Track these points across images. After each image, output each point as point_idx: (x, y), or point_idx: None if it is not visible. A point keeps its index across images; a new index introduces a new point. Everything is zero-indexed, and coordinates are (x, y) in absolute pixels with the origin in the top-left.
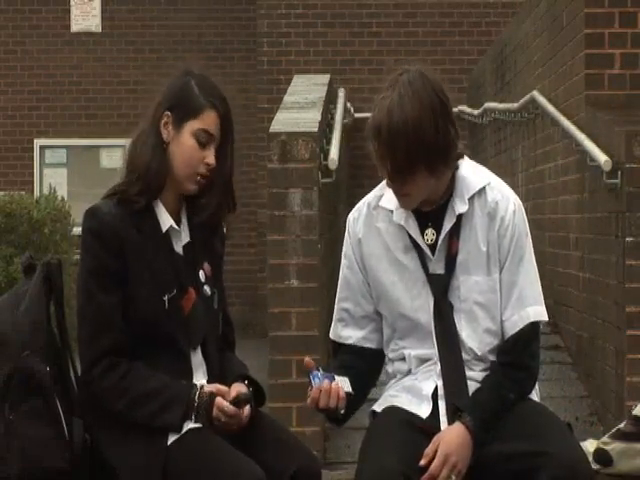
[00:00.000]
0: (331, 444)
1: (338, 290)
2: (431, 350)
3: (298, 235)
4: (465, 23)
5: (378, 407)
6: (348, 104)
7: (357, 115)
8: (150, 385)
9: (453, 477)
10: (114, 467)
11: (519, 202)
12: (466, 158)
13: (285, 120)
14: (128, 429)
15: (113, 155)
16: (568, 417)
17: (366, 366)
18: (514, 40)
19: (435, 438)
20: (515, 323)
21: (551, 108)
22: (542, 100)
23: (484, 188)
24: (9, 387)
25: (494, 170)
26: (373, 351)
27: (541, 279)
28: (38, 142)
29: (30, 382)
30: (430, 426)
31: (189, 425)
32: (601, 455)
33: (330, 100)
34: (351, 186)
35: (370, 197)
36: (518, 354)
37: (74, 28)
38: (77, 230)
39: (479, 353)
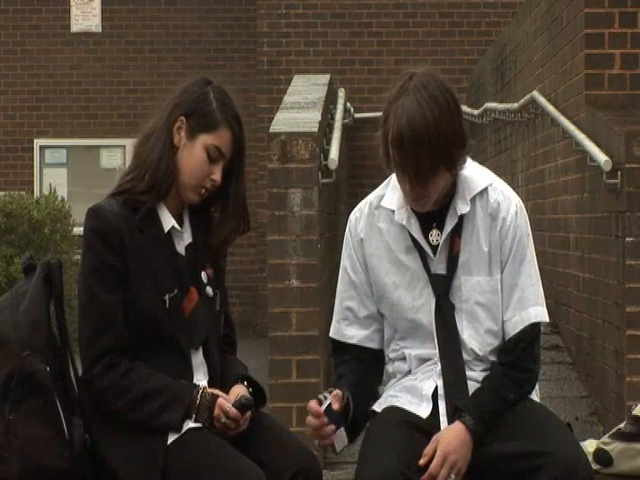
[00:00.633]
0: None
1: (340, 289)
2: (431, 350)
3: (298, 235)
4: (465, 23)
5: (378, 407)
6: (348, 104)
7: (357, 115)
8: (150, 384)
9: (452, 476)
10: (114, 467)
11: (521, 204)
12: (468, 159)
13: (285, 120)
14: (128, 429)
15: (113, 155)
16: (568, 417)
17: (369, 371)
18: (514, 40)
19: (434, 437)
20: (516, 324)
21: (551, 108)
22: (542, 100)
23: (486, 189)
24: (9, 387)
25: (494, 170)
26: (375, 352)
27: (541, 279)
28: (38, 142)
29: (30, 382)
30: (430, 426)
31: (189, 425)
32: (601, 455)
33: (330, 100)
34: (351, 186)
35: (371, 197)
36: (519, 355)
37: (74, 28)
38: (77, 230)
39: (480, 354)
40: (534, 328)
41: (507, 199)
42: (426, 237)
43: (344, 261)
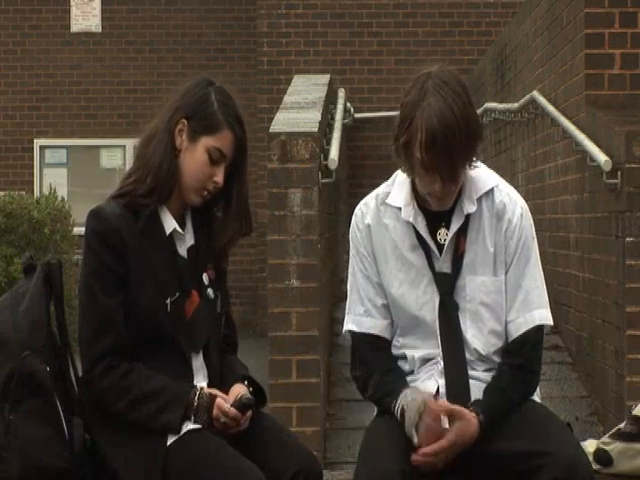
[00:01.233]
0: (331, 444)
1: (354, 282)
2: (434, 350)
3: (298, 235)
4: (465, 23)
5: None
6: (348, 104)
7: (357, 115)
8: (150, 386)
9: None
10: (114, 467)
11: (526, 206)
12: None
13: (285, 120)
14: (128, 429)
15: (113, 155)
16: (568, 417)
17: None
18: (514, 40)
19: (459, 411)
20: (520, 325)
21: (551, 108)
22: (542, 100)
23: (492, 189)
24: (9, 387)
25: (494, 170)
26: (390, 343)
27: None
28: (38, 142)
29: (30, 382)
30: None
31: (189, 426)
32: (601, 455)
33: (330, 100)
34: (351, 186)
35: (377, 193)
36: (527, 357)
37: (74, 28)
38: (77, 230)
39: (483, 354)
40: (539, 331)
41: (513, 201)
42: (433, 235)
43: (354, 255)
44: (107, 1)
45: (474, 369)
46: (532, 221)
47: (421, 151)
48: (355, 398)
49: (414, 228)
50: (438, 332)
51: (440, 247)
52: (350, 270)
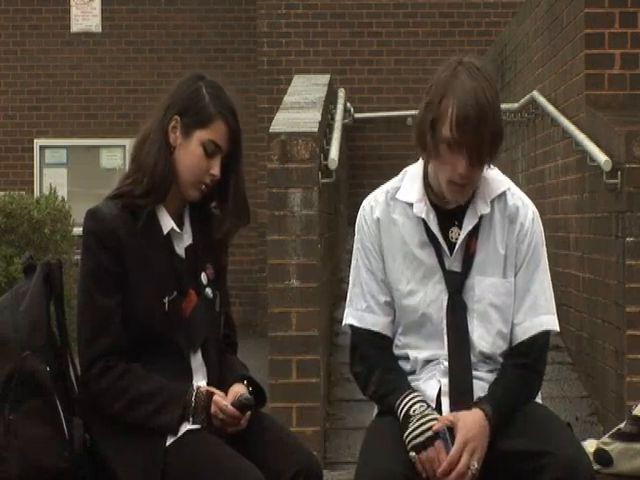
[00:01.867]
0: (331, 444)
1: (357, 277)
2: (438, 351)
3: (298, 235)
4: (465, 23)
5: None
6: (348, 104)
7: (357, 115)
8: (147, 386)
9: (475, 464)
10: (113, 467)
11: (537, 211)
12: None
13: (285, 120)
14: (128, 430)
15: (113, 155)
16: (568, 417)
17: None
18: (514, 40)
19: (453, 415)
20: (527, 329)
21: (551, 108)
22: (542, 100)
23: (504, 193)
24: (9, 387)
25: None
26: (391, 341)
27: None
28: (38, 142)
29: (30, 382)
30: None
31: (187, 427)
32: (601, 455)
33: (330, 100)
34: (351, 186)
35: (387, 188)
36: (534, 359)
37: (74, 28)
38: (77, 230)
39: (489, 354)
40: (545, 336)
41: (525, 205)
42: (444, 233)
43: (358, 249)
44: (107, 1)
45: (476, 369)
46: (542, 227)
47: (451, 128)
48: (355, 398)
49: (425, 225)
50: (445, 330)
51: (450, 246)
52: (353, 263)
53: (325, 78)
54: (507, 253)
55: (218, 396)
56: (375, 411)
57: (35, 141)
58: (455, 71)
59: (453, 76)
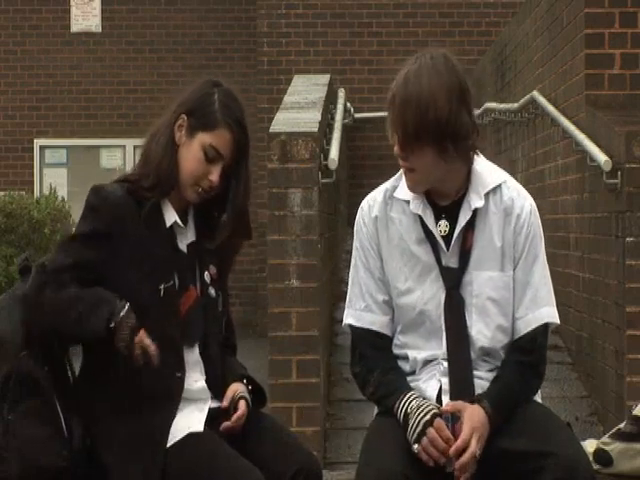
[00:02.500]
0: (331, 444)
1: (356, 276)
2: (437, 351)
3: (298, 235)
4: (465, 23)
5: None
6: (348, 104)
7: (357, 115)
8: (78, 292)
9: (478, 451)
10: (113, 468)
11: (534, 203)
12: (481, 155)
13: (285, 120)
14: (128, 431)
15: (113, 155)
16: (568, 417)
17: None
18: (514, 40)
19: (460, 404)
20: (529, 322)
21: (551, 108)
22: (542, 100)
23: (500, 186)
24: (7, 387)
25: None
26: (390, 340)
27: None
28: (38, 142)
29: (28, 382)
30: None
31: (191, 429)
32: (601, 455)
33: (330, 100)
34: (351, 186)
35: (385, 187)
36: (536, 355)
37: (74, 28)
38: None
39: (489, 350)
40: (546, 328)
41: (521, 197)
42: (437, 228)
43: (357, 249)
44: (107, 1)
45: (477, 369)
46: (540, 220)
47: (388, 107)
48: (355, 398)
49: (421, 221)
50: (443, 327)
51: (446, 241)
52: (352, 263)
53: (325, 78)
54: (504, 246)
55: (144, 332)
56: (375, 411)
57: (35, 141)
58: (413, 59)
59: (408, 64)
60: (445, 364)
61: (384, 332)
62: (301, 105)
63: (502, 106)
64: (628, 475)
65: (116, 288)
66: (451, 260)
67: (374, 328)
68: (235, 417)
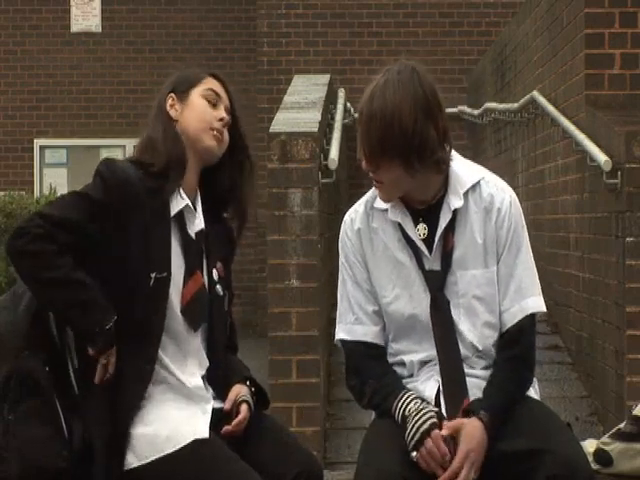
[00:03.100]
0: (331, 444)
1: (344, 290)
2: (430, 352)
3: (298, 235)
4: (465, 23)
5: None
6: (348, 104)
7: (357, 115)
8: (84, 277)
9: (473, 475)
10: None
11: (514, 195)
12: (457, 155)
13: (285, 120)
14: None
15: (113, 155)
16: (568, 417)
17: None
18: (514, 40)
19: (457, 422)
20: (515, 314)
21: (551, 108)
22: (542, 100)
23: (478, 183)
24: (8, 387)
25: (494, 170)
26: (384, 349)
27: (541, 279)
28: (38, 142)
29: (28, 382)
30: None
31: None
32: (601, 455)
33: (330, 100)
34: (351, 186)
35: (366, 198)
36: (523, 346)
37: (74, 28)
38: None
39: (480, 347)
40: (533, 319)
41: (501, 190)
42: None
43: (343, 263)
44: (107, 1)
45: (472, 367)
46: (521, 210)
47: (357, 119)
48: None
49: (401, 228)
50: (432, 330)
51: (428, 245)
52: (340, 279)
53: (325, 78)
54: (487, 242)
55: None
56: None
57: (35, 141)
58: (382, 72)
59: (375, 78)
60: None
61: (377, 342)
62: (301, 105)
63: (502, 106)
64: (628, 475)
65: (110, 260)
66: (434, 263)
67: (366, 339)
68: (235, 422)
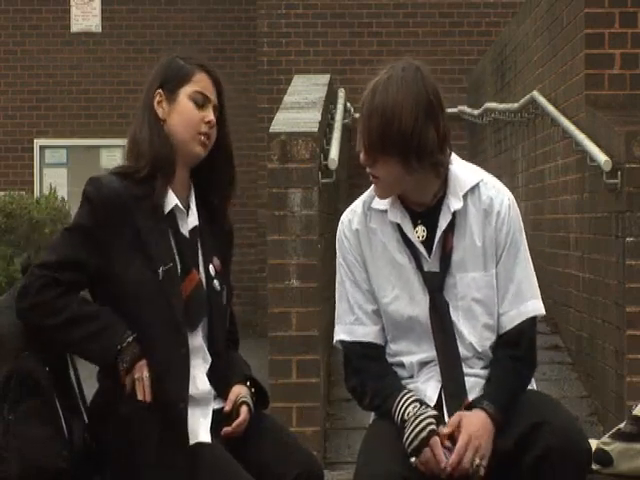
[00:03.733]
0: (331, 444)
1: (342, 291)
2: (430, 353)
3: (298, 235)
4: (465, 23)
5: None
6: (348, 104)
7: (357, 115)
8: (89, 308)
9: (477, 460)
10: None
11: (512, 197)
12: (456, 157)
13: (285, 120)
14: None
15: (113, 155)
16: None
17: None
18: (514, 40)
19: (457, 415)
20: (513, 317)
21: (551, 108)
22: (542, 100)
23: (477, 185)
24: (8, 387)
25: (494, 170)
26: (383, 350)
27: (541, 279)
28: (38, 142)
29: (29, 382)
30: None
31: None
32: (601, 455)
33: (330, 100)
34: (351, 186)
35: (364, 199)
36: (525, 347)
37: (74, 28)
38: None
39: (479, 349)
40: (532, 322)
41: (500, 193)
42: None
43: (341, 264)
44: (107, 1)
45: (471, 367)
46: (519, 213)
47: (359, 116)
48: None
49: (400, 229)
50: (431, 331)
51: (428, 246)
52: (338, 279)
53: (325, 78)
54: (486, 245)
55: (146, 363)
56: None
57: (35, 141)
58: (385, 69)
59: (379, 74)
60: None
61: (377, 342)
62: (301, 105)
63: (502, 106)
64: (628, 475)
65: (116, 276)
66: (433, 265)
67: (367, 340)
68: (235, 424)
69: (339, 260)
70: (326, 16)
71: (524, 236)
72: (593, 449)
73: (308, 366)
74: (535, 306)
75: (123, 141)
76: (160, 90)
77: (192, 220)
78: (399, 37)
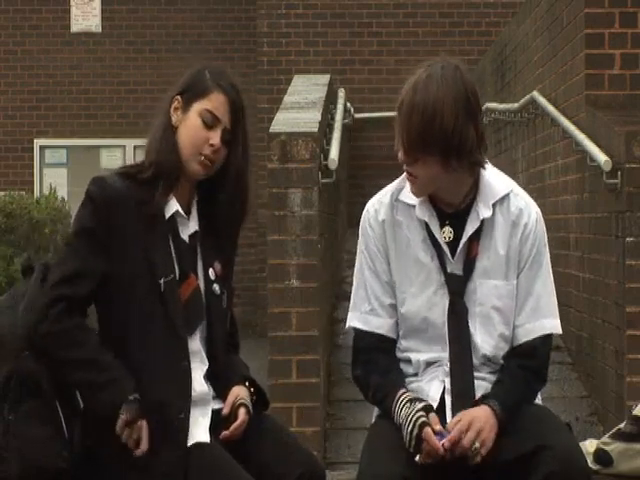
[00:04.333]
0: (331, 444)
1: (361, 279)
2: (439, 354)
3: (298, 235)
4: (465, 23)
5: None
6: (348, 104)
7: (357, 115)
8: (104, 356)
9: (477, 444)
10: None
11: (539, 211)
12: (489, 164)
13: (285, 120)
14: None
15: (113, 155)
16: (568, 417)
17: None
18: (514, 40)
19: (461, 414)
20: (529, 331)
21: (551, 108)
22: (542, 100)
23: (508, 195)
24: (8, 387)
25: None
26: (394, 343)
27: None
28: (38, 142)
29: (28, 383)
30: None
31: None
32: (601, 455)
33: (330, 100)
34: (351, 186)
35: (392, 188)
36: (537, 361)
37: (74, 28)
38: None
39: (491, 357)
40: (548, 339)
41: (528, 206)
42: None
43: (362, 252)
44: (107, 1)
45: (479, 371)
46: (545, 227)
47: (397, 113)
48: (355, 398)
49: (427, 227)
50: (447, 334)
51: (451, 248)
52: (357, 266)
53: (325, 78)
54: (509, 255)
55: (145, 425)
56: (376, 412)
57: (35, 141)
58: (424, 67)
59: (420, 71)
60: (448, 366)
61: (390, 335)
62: (301, 105)
63: (502, 106)
64: (628, 475)
65: (116, 277)
66: (456, 267)
67: (380, 331)
68: (233, 427)
69: (361, 248)
70: (326, 16)
71: (548, 253)
72: (593, 449)
73: (308, 366)
74: (552, 324)
75: (123, 141)
76: (179, 97)
77: (193, 225)
78: (399, 37)
